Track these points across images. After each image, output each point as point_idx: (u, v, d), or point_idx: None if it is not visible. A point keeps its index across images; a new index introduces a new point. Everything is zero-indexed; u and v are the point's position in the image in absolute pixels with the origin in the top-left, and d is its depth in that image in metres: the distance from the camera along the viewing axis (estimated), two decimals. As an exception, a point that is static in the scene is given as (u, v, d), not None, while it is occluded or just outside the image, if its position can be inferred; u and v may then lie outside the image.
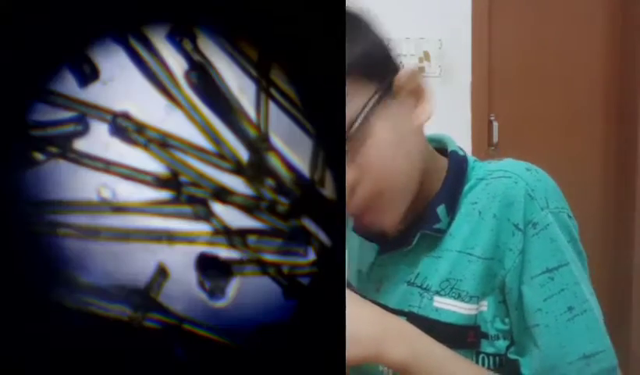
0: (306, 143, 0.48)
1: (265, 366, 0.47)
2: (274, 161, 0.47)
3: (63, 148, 0.45)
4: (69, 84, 0.45)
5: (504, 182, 0.53)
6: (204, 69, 0.46)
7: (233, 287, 0.47)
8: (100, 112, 0.46)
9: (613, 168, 1.94)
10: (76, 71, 0.45)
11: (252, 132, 0.47)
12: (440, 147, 0.62)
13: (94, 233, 0.46)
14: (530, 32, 1.84)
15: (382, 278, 0.62)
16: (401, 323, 0.53)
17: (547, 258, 0.51)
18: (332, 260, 0.48)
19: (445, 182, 0.57)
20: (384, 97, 0.53)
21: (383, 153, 0.52)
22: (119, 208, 0.46)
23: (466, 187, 0.57)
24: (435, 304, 0.56)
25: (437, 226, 0.56)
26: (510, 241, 0.52)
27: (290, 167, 0.48)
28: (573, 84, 1.88)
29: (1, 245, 0.45)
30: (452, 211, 0.56)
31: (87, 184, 0.46)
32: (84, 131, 0.46)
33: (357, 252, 0.67)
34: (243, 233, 0.47)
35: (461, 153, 0.60)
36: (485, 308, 0.54)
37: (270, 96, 0.47)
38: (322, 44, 0.47)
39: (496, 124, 1.80)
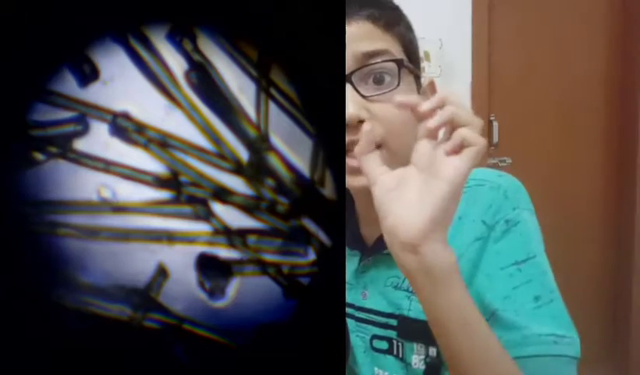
0: (306, 143, 0.48)
1: (265, 366, 0.47)
2: (274, 161, 0.47)
3: (63, 148, 0.45)
4: (69, 84, 0.45)
5: (483, 190, 0.57)
6: (204, 69, 0.46)
7: (233, 287, 0.47)
8: (100, 112, 0.46)
9: (613, 168, 1.94)
10: (76, 71, 0.45)
11: (252, 132, 0.47)
12: None
13: (94, 233, 0.46)
14: (530, 32, 1.83)
15: (367, 284, 0.63)
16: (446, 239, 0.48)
17: (516, 252, 0.54)
18: (332, 260, 0.48)
19: None
20: (415, 82, 0.56)
21: (401, 115, 0.52)
22: (119, 208, 0.46)
23: None
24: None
25: None
26: (475, 234, 0.55)
27: (290, 167, 0.48)
28: (573, 84, 1.88)
29: (1, 245, 0.45)
30: None
31: (87, 184, 0.46)
32: (84, 131, 0.46)
33: None
34: (243, 233, 0.47)
35: None
36: None
37: (270, 96, 0.47)
38: (322, 44, 0.47)
39: (496, 124, 1.80)
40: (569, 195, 1.90)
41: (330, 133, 0.48)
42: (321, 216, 0.48)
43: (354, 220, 0.66)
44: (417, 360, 0.58)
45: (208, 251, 0.47)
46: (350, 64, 0.52)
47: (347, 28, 0.52)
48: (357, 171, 0.51)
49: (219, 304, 0.47)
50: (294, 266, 0.48)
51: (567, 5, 1.85)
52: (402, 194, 0.45)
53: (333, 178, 0.48)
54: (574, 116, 1.90)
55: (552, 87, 1.87)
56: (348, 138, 0.52)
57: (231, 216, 0.47)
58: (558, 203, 1.87)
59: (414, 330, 0.57)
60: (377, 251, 0.61)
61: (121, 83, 0.46)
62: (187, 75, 0.46)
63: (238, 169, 0.47)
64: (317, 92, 0.47)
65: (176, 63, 0.46)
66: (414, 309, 0.58)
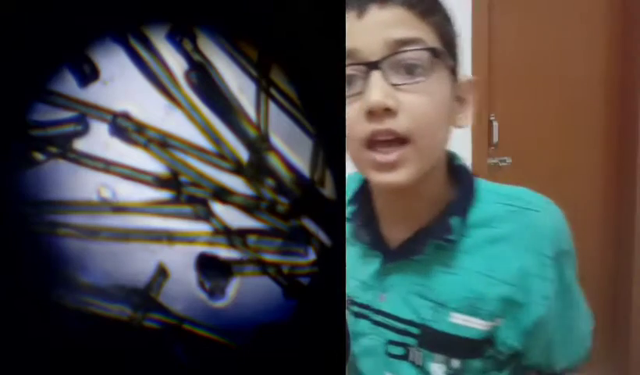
0: (306, 143, 0.48)
1: (265, 366, 0.47)
2: (274, 161, 0.47)
3: (63, 148, 0.45)
4: (69, 84, 0.45)
5: (534, 215, 0.57)
6: (204, 69, 0.46)
7: (233, 287, 0.47)
8: (100, 112, 0.46)
9: (613, 168, 1.94)
10: (76, 71, 0.45)
11: (252, 132, 0.47)
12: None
13: (94, 233, 0.46)
14: (530, 32, 1.83)
15: (387, 287, 0.61)
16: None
17: (566, 284, 0.58)
18: (332, 260, 0.48)
19: (457, 194, 0.59)
20: (450, 77, 0.54)
21: (432, 108, 0.51)
22: (119, 208, 0.46)
23: (481, 208, 0.58)
24: (453, 320, 0.56)
25: (449, 236, 0.56)
26: (542, 270, 0.55)
27: (290, 167, 0.48)
28: (573, 84, 1.88)
29: (1, 245, 0.45)
30: (464, 224, 0.57)
31: (87, 184, 0.46)
32: (84, 131, 0.46)
33: (359, 262, 0.64)
34: (243, 233, 0.47)
35: (470, 169, 0.61)
36: (499, 324, 0.56)
37: (270, 96, 0.47)
38: (322, 44, 0.47)
39: (495, 124, 1.80)
40: (569, 195, 1.89)
41: (330, 133, 0.48)
42: (321, 216, 0.48)
43: (375, 220, 0.63)
44: (436, 368, 0.57)
45: (208, 251, 0.47)
46: (381, 50, 0.49)
47: (380, 13, 0.50)
48: (388, 167, 0.51)
49: (219, 304, 0.47)
50: (294, 266, 0.48)
51: (567, 5, 1.85)
52: None
53: (333, 178, 0.48)
54: (574, 116, 1.90)
55: (552, 87, 1.87)
56: (372, 128, 0.50)
57: (231, 216, 0.47)
58: (558, 203, 1.87)
59: (437, 342, 0.57)
60: (403, 255, 0.59)
61: (121, 83, 0.46)
62: (187, 75, 0.46)
63: (238, 169, 0.47)
64: (317, 92, 0.47)
65: (176, 63, 0.46)
66: (438, 321, 0.57)
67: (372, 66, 0.49)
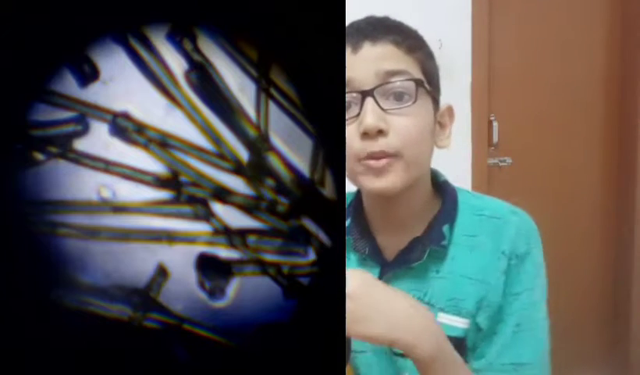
0: (306, 143, 0.48)
1: (265, 366, 0.47)
2: (274, 161, 0.47)
3: (63, 148, 0.45)
4: (69, 84, 0.45)
5: (498, 223, 0.65)
6: (204, 69, 0.46)
7: (233, 287, 0.47)
8: (100, 112, 0.46)
9: (613, 168, 1.94)
10: (76, 71, 0.45)
11: (252, 132, 0.47)
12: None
13: (94, 233, 0.46)
14: (530, 32, 1.83)
15: None
16: (431, 316, 0.56)
17: (517, 284, 0.62)
18: (332, 260, 0.48)
19: (444, 206, 0.67)
20: (432, 104, 0.63)
21: (416, 129, 0.60)
22: (119, 208, 0.46)
23: (459, 218, 0.66)
24: (440, 319, 0.62)
25: (443, 242, 0.64)
26: (497, 264, 0.62)
27: (290, 167, 0.48)
28: (573, 84, 1.88)
29: (1, 245, 0.45)
30: (452, 231, 0.65)
31: (87, 184, 0.46)
32: (84, 131, 0.46)
33: None
34: (243, 233, 0.47)
35: (451, 184, 0.70)
36: (469, 323, 0.62)
37: (270, 96, 0.47)
38: (322, 44, 0.47)
39: (495, 124, 1.80)
40: (569, 195, 1.90)
41: (330, 133, 0.48)
42: (321, 216, 0.48)
43: (370, 233, 0.69)
44: None
45: (208, 251, 0.47)
46: (373, 80, 0.58)
47: (373, 49, 0.59)
48: (379, 172, 0.59)
49: (219, 304, 0.47)
50: (294, 266, 0.48)
51: (567, 5, 1.85)
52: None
53: (333, 178, 0.48)
54: (574, 116, 1.90)
55: (552, 87, 1.87)
56: (368, 149, 0.58)
57: (231, 216, 0.47)
58: (558, 203, 1.87)
59: None
60: (400, 265, 0.65)
61: (121, 84, 0.46)
62: (187, 75, 0.46)
63: (238, 169, 0.47)
64: (317, 92, 0.47)
65: (176, 63, 0.46)
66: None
67: (366, 93, 0.58)
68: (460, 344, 0.61)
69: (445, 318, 0.63)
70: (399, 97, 0.59)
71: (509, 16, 1.80)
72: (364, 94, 0.58)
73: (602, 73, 1.90)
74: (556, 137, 1.89)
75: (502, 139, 1.82)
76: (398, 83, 0.59)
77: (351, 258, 0.69)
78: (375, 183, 0.60)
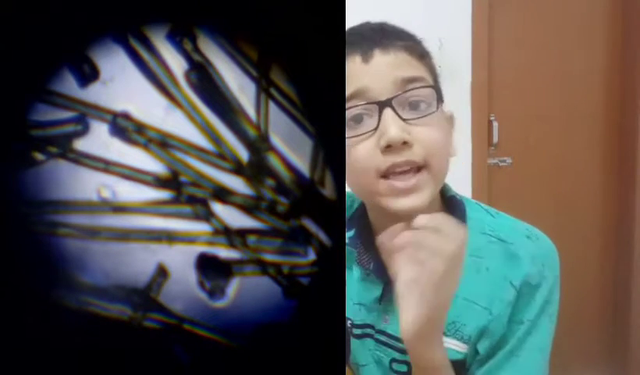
0: (306, 143, 0.48)
1: (265, 366, 0.47)
2: (274, 161, 0.47)
3: (63, 148, 0.45)
4: (69, 84, 0.45)
5: (510, 249, 0.61)
6: (204, 69, 0.46)
7: (233, 287, 0.47)
8: (100, 112, 0.46)
9: (613, 168, 1.94)
10: (76, 71, 0.45)
11: (252, 132, 0.47)
12: None
13: (94, 233, 0.46)
14: (530, 32, 1.83)
15: (389, 311, 0.63)
16: (442, 327, 0.54)
17: (523, 313, 0.59)
18: (332, 260, 0.48)
19: None
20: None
21: (440, 138, 0.57)
22: (119, 208, 0.46)
23: (469, 239, 0.62)
24: None
25: None
26: (504, 295, 0.59)
27: (290, 167, 0.48)
28: (573, 84, 1.88)
29: (1, 245, 0.45)
30: None
31: (87, 184, 0.46)
32: (84, 131, 0.46)
33: (359, 286, 0.67)
34: (243, 233, 0.47)
35: (460, 199, 0.66)
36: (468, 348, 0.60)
37: (270, 96, 0.47)
38: (322, 44, 0.47)
39: (495, 124, 1.80)
40: (569, 195, 1.90)
41: (330, 134, 0.48)
42: (321, 216, 0.48)
43: (375, 248, 0.64)
44: None
45: (208, 251, 0.47)
46: (390, 89, 0.54)
47: (385, 57, 0.55)
48: (406, 192, 0.55)
49: (219, 304, 0.47)
50: (294, 266, 0.48)
51: (567, 5, 1.85)
52: None
53: (333, 178, 0.48)
54: (573, 115, 1.90)
55: (552, 87, 1.87)
56: (392, 160, 0.54)
57: (231, 216, 0.47)
58: (558, 203, 1.87)
59: None
60: None
61: (121, 83, 0.46)
62: (187, 75, 0.46)
63: (238, 169, 0.47)
64: (317, 92, 0.47)
65: (176, 63, 0.46)
66: None
67: (384, 104, 0.53)
68: (460, 365, 0.59)
69: (445, 342, 0.59)
70: (415, 106, 0.55)
71: (509, 16, 1.80)
72: (382, 104, 0.53)
73: (603, 73, 1.90)
74: (556, 137, 1.89)
75: (502, 139, 1.82)
76: (416, 91, 0.55)
77: (354, 272, 0.67)
78: (402, 203, 0.55)
